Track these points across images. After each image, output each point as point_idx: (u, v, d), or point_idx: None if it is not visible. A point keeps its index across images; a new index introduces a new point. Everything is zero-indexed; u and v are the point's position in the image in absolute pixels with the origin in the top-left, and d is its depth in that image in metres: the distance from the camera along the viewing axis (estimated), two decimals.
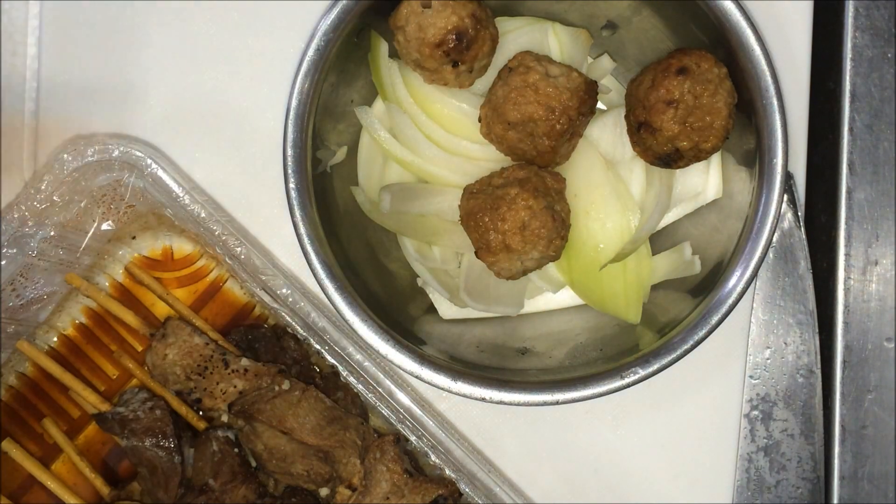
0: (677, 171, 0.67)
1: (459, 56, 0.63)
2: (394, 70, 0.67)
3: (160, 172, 0.68)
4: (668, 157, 0.64)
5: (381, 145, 0.68)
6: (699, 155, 0.64)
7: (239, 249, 0.68)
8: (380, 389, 0.68)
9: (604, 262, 0.66)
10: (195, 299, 0.72)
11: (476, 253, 0.64)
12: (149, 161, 0.68)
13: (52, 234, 0.67)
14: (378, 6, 0.63)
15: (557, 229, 0.63)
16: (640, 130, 0.64)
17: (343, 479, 0.68)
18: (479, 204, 0.63)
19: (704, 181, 0.68)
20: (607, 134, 0.68)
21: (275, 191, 0.69)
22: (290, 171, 0.63)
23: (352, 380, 0.68)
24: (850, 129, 0.72)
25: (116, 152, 0.67)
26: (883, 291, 0.73)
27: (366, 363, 0.68)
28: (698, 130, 0.62)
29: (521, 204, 0.61)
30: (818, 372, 0.72)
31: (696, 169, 0.67)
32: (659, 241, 0.70)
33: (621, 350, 0.65)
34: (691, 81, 0.61)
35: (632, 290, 0.67)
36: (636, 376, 0.62)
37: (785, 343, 0.72)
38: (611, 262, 0.66)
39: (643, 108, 0.63)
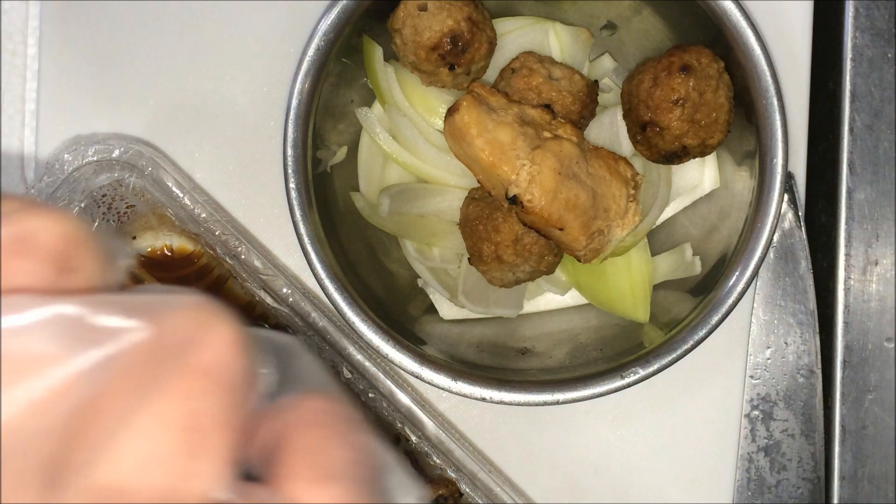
0: (674, 165, 0.67)
1: (455, 59, 0.63)
2: (390, 74, 0.67)
3: (160, 172, 0.68)
4: (674, 155, 0.64)
5: (381, 146, 0.68)
6: (705, 150, 0.64)
7: (240, 249, 0.68)
8: (380, 389, 0.68)
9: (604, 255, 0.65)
10: None
11: (469, 260, 0.64)
12: (149, 161, 0.68)
13: None
14: (378, 6, 0.63)
15: (550, 246, 0.62)
16: (646, 130, 0.63)
17: None
18: (477, 211, 0.63)
19: (701, 174, 0.68)
20: (605, 133, 0.68)
21: (275, 191, 0.69)
22: (290, 171, 0.63)
23: (352, 379, 0.68)
24: (850, 129, 0.72)
25: (117, 152, 0.67)
26: (883, 291, 0.72)
27: (366, 363, 0.68)
28: (705, 127, 0.62)
29: (516, 217, 0.61)
30: (818, 372, 0.72)
31: (692, 162, 0.67)
32: (659, 241, 0.70)
33: (622, 350, 0.65)
34: (695, 79, 0.61)
35: (638, 288, 0.67)
36: (636, 376, 0.62)
37: (785, 343, 0.72)
38: (611, 255, 0.65)
39: (647, 108, 0.63)
